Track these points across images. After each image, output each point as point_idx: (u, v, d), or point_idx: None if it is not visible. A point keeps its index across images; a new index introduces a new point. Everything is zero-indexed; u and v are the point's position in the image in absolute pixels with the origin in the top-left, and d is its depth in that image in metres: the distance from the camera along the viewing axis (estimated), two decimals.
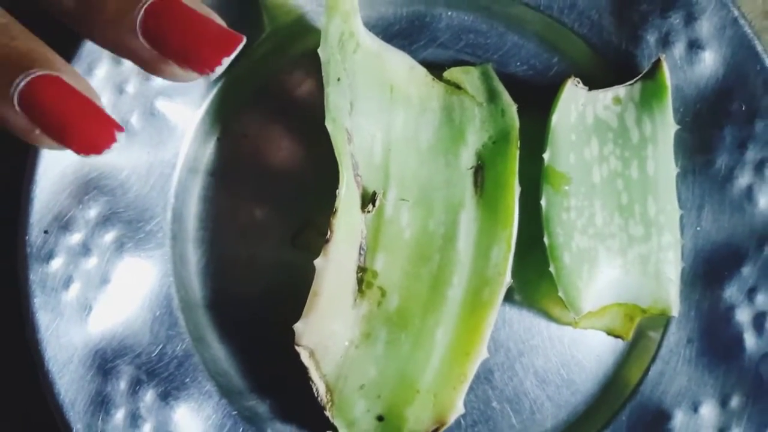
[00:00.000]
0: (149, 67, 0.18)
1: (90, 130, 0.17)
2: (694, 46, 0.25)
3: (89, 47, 0.23)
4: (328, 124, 0.23)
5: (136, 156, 0.24)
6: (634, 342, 0.25)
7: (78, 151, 0.17)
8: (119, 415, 0.23)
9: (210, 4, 0.24)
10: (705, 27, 0.25)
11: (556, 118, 0.24)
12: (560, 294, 0.24)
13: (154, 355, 0.24)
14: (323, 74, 0.23)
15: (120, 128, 0.17)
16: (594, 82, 0.25)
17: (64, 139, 0.17)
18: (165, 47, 0.17)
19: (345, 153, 0.23)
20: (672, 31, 0.25)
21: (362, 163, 0.24)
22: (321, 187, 0.24)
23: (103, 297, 0.23)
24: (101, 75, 0.23)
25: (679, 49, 0.25)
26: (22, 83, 0.17)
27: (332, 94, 0.23)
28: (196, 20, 0.17)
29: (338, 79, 0.23)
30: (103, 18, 0.17)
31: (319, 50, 0.23)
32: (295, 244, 0.25)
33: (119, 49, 0.18)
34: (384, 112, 0.24)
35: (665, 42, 0.25)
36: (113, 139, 0.17)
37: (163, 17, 0.17)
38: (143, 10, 0.17)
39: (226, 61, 0.17)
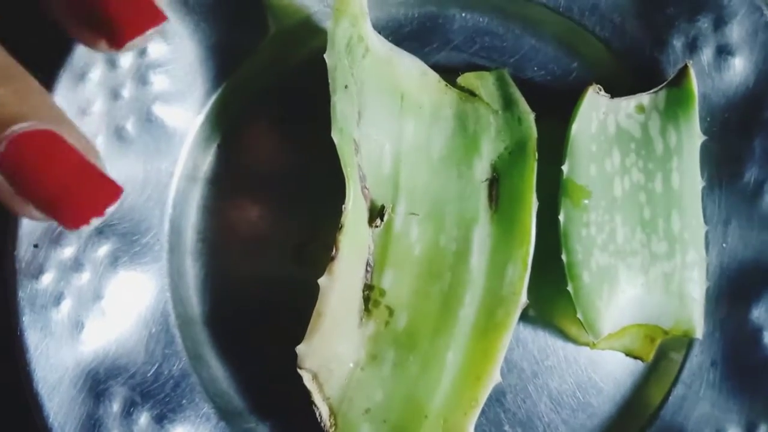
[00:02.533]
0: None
1: (82, 202, 0.15)
2: (724, 52, 0.24)
3: (82, 50, 0.22)
4: (335, 135, 0.22)
5: (132, 164, 0.24)
6: (655, 364, 0.25)
7: (66, 226, 0.15)
8: None
9: (209, 2, 0.24)
10: (735, 31, 0.24)
11: (576, 128, 0.24)
12: (579, 316, 0.23)
13: (149, 375, 0.23)
14: (330, 81, 0.22)
15: (118, 194, 0.15)
16: (616, 89, 0.24)
17: (53, 213, 0.15)
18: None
19: (352, 164, 0.22)
20: (700, 36, 0.24)
21: (370, 175, 0.23)
22: (326, 197, 0.23)
23: (96, 314, 0.23)
24: (95, 79, 0.23)
25: (707, 54, 0.24)
26: (3, 145, 0.14)
27: (339, 102, 0.22)
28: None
29: (345, 87, 0.22)
30: None
31: (325, 56, 0.22)
32: (299, 257, 0.25)
33: None
34: (394, 121, 0.24)
35: (692, 47, 0.24)
36: (112, 202, 0.15)
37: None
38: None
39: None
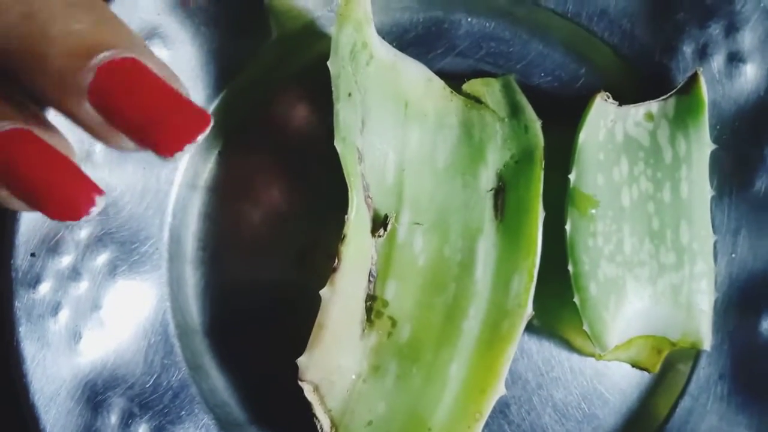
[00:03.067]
0: (95, 135, 0.15)
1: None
2: (735, 59, 0.24)
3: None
4: (338, 144, 0.22)
5: (131, 172, 0.23)
6: (662, 376, 0.25)
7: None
8: None
9: (210, 7, 0.23)
10: (747, 38, 0.24)
11: (584, 136, 0.23)
12: (585, 328, 0.23)
13: (147, 386, 0.23)
14: (333, 89, 0.22)
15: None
16: (624, 96, 0.24)
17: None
18: (118, 120, 0.14)
19: (355, 174, 0.22)
20: (711, 43, 0.24)
21: (374, 184, 0.23)
22: (329, 205, 0.23)
23: (94, 324, 0.23)
24: None
25: (717, 61, 0.24)
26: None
27: (342, 111, 0.22)
28: (160, 91, 0.15)
29: (349, 95, 0.22)
30: (43, 76, 0.14)
31: (329, 63, 0.22)
32: (301, 266, 0.25)
33: (61, 111, 0.15)
34: (398, 129, 0.23)
35: (703, 54, 0.24)
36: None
37: (119, 83, 0.14)
38: (95, 70, 0.14)
39: (190, 148, 0.15)
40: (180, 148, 0.15)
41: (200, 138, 0.15)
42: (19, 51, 0.14)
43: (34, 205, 0.15)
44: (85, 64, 0.14)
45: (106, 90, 0.14)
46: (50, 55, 0.14)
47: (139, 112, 0.14)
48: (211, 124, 0.15)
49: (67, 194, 0.15)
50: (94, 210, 0.15)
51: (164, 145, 0.15)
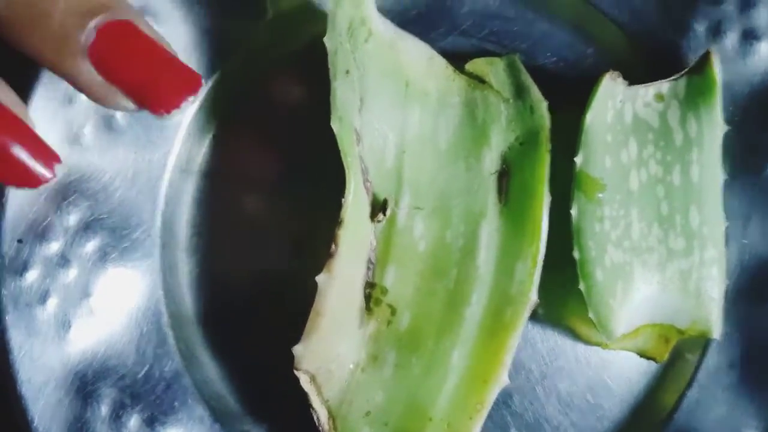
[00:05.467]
0: (93, 96, 0.16)
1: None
2: (750, 37, 0.23)
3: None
4: (334, 124, 0.21)
5: (122, 156, 0.23)
6: (669, 365, 0.24)
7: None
8: None
9: None
10: (763, 15, 0.23)
11: (591, 117, 0.23)
12: (591, 315, 0.22)
13: (139, 376, 0.23)
14: (330, 66, 0.21)
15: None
16: (634, 76, 0.23)
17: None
18: (117, 78, 0.15)
19: (353, 155, 0.22)
20: (724, 20, 0.23)
21: (372, 167, 0.23)
22: (326, 191, 0.22)
23: (84, 313, 0.22)
24: None
25: (731, 39, 0.24)
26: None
27: (339, 89, 0.21)
28: (156, 52, 0.16)
29: (347, 72, 0.22)
30: (44, 34, 0.15)
31: (325, 39, 0.21)
32: (298, 253, 0.24)
33: (59, 70, 0.16)
34: (398, 110, 0.23)
35: (716, 32, 0.24)
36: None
37: (119, 42, 0.15)
38: (95, 31, 0.15)
39: (186, 104, 0.16)
40: (176, 105, 0.16)
41: (192, 98, 0.16)
42: (21, 7, 0.15)
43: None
44: (85, 25, 0.15)
45: (105, 50, 0.15)
46: (51, 15, 0.15)
47: (135, 71, 0.15)
48: (203, 84, 0.16)
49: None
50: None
51: (159, 102, 0.16)
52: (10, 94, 0.16)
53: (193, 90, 0.16)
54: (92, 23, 0.15)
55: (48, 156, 0.16)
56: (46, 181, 0.16)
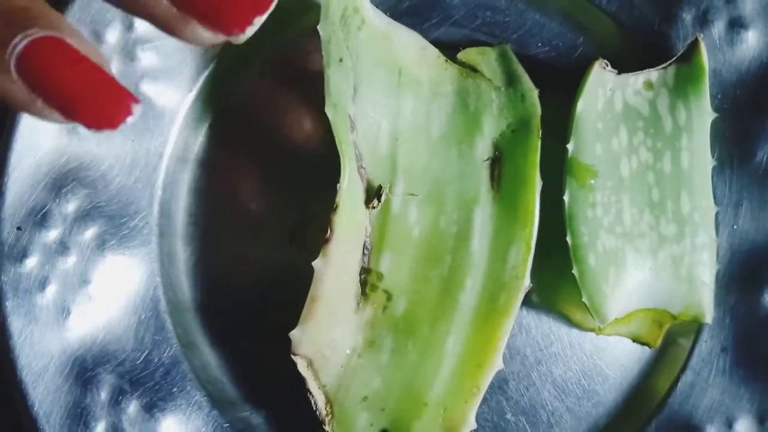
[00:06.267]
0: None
1: (101, 101, 0.15)
2: (736, 25, 0.24)
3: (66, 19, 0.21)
4: (329, 111, 0.21)
5: (120, 145, 0.23)
6: (663, 350, 0.24)
7: (90, 126, 0.15)
8: (99, 428, 0.22)
9: None
10: (749, 3, 0.23)
11: (582, 105, 0.23)
12: (584, 300, 0.22)
13: (138, 362, 0.23)
14: (323, 54, 0.22)
15: (136, 100, 0.16)
16: (623, 64, 0.24)
17: (72, 111, 0.15)
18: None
19: (347, 142, 0.22)
20: (711, 9, 0.24)
21: (367, 154, 0.23)
22: (322, 179, 0.23)
23: (83, 299, 0.23)
24: None
25: (718, 28, 0.24)
26: (20, 45, 0.15)
27: (333, 76, 0.21)
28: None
29: (340, 60, 0.22)
30: None
31: (318, 27, 0.22)
32: (294, 240, 0.24)
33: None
34: (391, 98, 0.23)
35: (703, 20, 0.24)
36: (129, 112, 0.15)
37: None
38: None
39: (259, 21, 0.15)
40: (250, 21, 0.15)
41: (271, 7, 0.15)
42: None
43: (70, 114, 0.15)
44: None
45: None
46: None
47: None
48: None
49: (103, 102, 0.15)
50: (130, 119, 0.15)
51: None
52: (88, 46, 0.16)
53: (265, 6, 0.15)
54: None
55: (127, 97, 0.16)
56: (125, 120, 0.15)
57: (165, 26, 0.15)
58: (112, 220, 0.23)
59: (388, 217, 0.23)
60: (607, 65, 0.23)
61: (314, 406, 0.22)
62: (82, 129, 0.22)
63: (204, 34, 0.15)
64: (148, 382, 0.23)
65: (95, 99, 0.15)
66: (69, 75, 0.15)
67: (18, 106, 0.15)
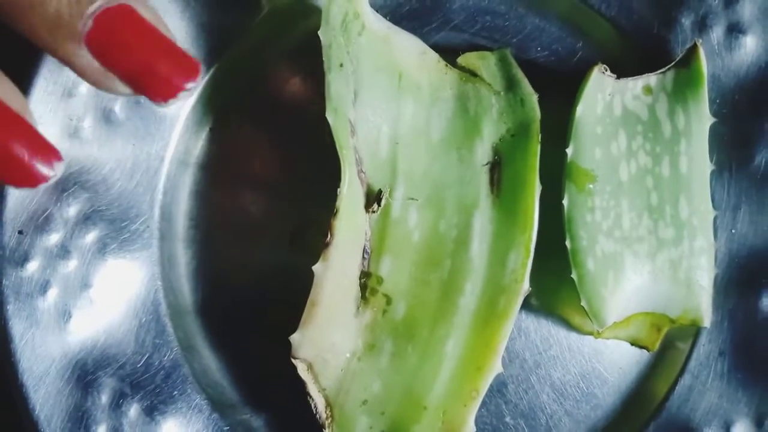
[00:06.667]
0: (90, 80, 0.16)
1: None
2: (735, 30, 0.24)
3: None
4: (329, 115, 0.21)
5: (121, 148, 0.23)
6: (661, 354, 0.24)
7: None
8: (100, 431, 0.22)
9: None
10: (748, 9, 0.24)
11: (581, 109, 0.23)
12: (583, 303, 0.23)
13: (139, 365, 0.23)
14: (324, 59, 0.22)
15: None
16: (622, 69, 0.24)
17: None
18: (115, 65, 0.15)
19: (348, 147, 0.22)
20: (710, 14, 0.24)
21: (367, 158, 0.23)
22: (322, 182, 0.23)
23: (84, 303, 0.23)
24: None
25: (717, 33, 0.24)
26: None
27: (334, 81, 0.21)
28: (154, 38, 0.15)
29: (341, 65, 0.22)
30: (40, 18, 0.15)
31: (319, 32, 0.22)
32: (294, 244, 0.24)
33: (55, 55, 0.15)
34: (391, 102, 0.23)
35: (702, 25, 0.24)
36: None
37: (115, 29, 0.15)
38: (93, 17, 0.15)
39: (183, 94, 0.15)
40: (173, 94, 0.15)
41: (190, 86, 0.15)
42: None
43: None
44: (82, 11, 0.15)
45: (102, 36, 0.15)
46: (47, 2, 0.15)
47: (133, 58, 0.15)
48: (201, 73, 0.16)
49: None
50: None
51: (158, 90, 0.15)
52: (11, 91, 0.15)
53: (192, 77, 0.15)
54: (89, 10, 0.15)
55: (49, 154, 0.15)
56: (46, 180, 0.15)
57: (86, 79, 0.15)
58: (113, 223, 0.23)
59: (388, 221, 0.23)
60: (606, 70, 0.23)
61: (314, 410, 0.22)
62: (83, 133, 0.22)
63: (124, 91, 0.16)
64: (148, 385, 0.23)
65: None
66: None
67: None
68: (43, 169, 0.15)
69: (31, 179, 0.15)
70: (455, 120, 0.23)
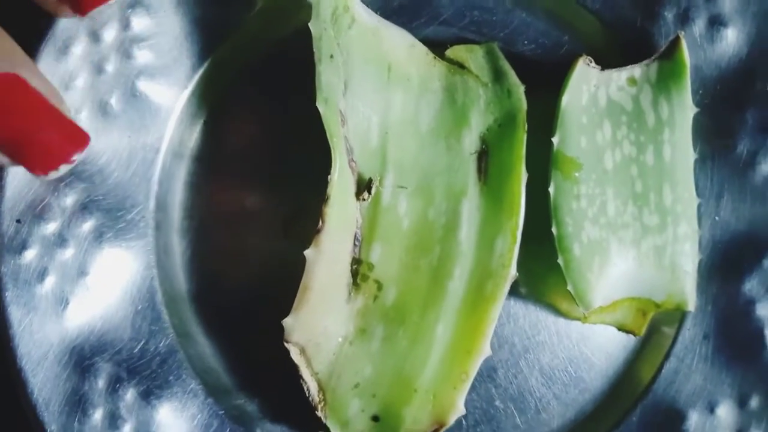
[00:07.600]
0: None
1: (53, 143, 0.15)
2: (716, 23, 0.24)
3: (64, 23, 0.22)
4: (320, 105, 0.22)
5: (117, 140, 0.23)
6: (647, 338, 0.25)
7: (34, 169, 0.15)
8: (97, 415, 0.22)
9: None
10: (729, 2, 0.24)
11: (567, 100, 0.23)
12: (569, 288, 0.23)
13: (135, 351, 0.23)
14: (315, 51, 0.22)
15: (86, 141, 0.15)
16: (607, 61, 0.24)
17: (21, 153, 0.15)
18: None
19: (338, 136, 0.22)
20: (692, 7, 0.24)
21: (357, 148, 0.23)
22: (314, 172, 0.23)
23: (81, 290, 0.23)
24: (78, 53, 0.22)
25: (699, 25, 0.24)
26: None
27: (324, 72, 0.22)
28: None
29: (331, 56, 0.22)
30: None
31: (310, 24, 0.22)
32: (287, 233, 0.25)
33: None
34: (381, 93, 0.23)
35: (684, 18, 0.24)
36: (80, 149, 0.15)
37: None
38: None
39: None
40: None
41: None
42: None
43: (14, 156, 0.15)
44: None
45: None
46: None
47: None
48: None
49: (49, 148, 0.15)
50: (77, 157, 0.15)
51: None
52: (46, 83, 0.15)
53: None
54: None
55: (80, 141, 0.15)
56: (72, 158, 0.15)
57: None
58: (109, 213, 0.23)
59: (379, 208, 0.23)
60: (591, 62, 0.24)
61: (307, 393, 0.22)
62: (80, 124, 0.22)
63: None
64: (144, 370, 0.23)
65: (46, 138, 0.14)
66: (23, 113, 0.14)
67: None
68: (74, 149, 0.15)
69: (60, 160, 0.15)
70: (443, 110, 0.24)
